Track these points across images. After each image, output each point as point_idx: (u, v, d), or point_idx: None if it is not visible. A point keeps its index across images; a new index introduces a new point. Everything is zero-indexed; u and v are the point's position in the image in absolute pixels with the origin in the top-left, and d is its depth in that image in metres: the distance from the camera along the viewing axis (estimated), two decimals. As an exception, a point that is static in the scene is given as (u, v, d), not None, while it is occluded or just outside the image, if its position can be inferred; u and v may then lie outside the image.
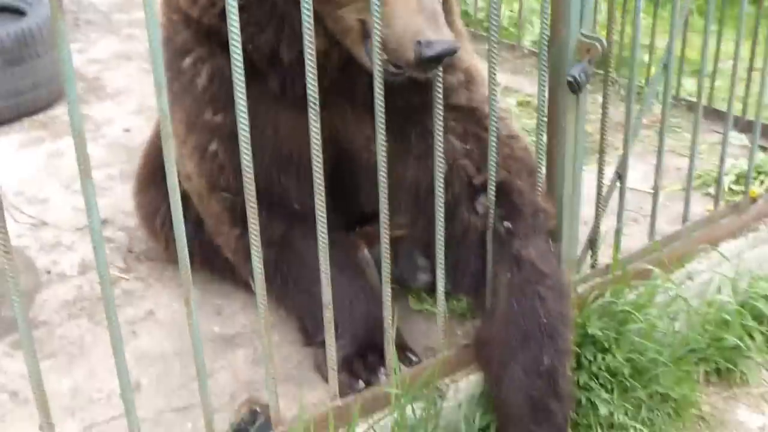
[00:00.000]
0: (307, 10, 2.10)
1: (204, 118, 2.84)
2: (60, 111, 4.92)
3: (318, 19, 2.28)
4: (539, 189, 2.82)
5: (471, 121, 2.83)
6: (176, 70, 2.82)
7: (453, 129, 2.76)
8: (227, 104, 2.71)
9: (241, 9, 2.02)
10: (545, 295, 2.68)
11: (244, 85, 2.06)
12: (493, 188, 2.70)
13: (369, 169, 2.72)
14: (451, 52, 2.32)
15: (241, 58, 2.02)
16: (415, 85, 2.58)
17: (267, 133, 2.75)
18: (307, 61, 2.15)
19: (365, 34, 2.42)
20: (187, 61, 2.80)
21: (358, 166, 2.92)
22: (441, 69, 2.42)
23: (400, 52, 2.32)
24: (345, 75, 2.65)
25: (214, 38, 2.70)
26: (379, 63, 2.31)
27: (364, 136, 2.81)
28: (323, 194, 2.28)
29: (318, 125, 2.20)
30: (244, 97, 2.07)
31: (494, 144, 2.65)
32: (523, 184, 2.81)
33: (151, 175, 3.31)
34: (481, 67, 3.01)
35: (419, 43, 2.27)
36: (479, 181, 2.79)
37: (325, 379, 2.68)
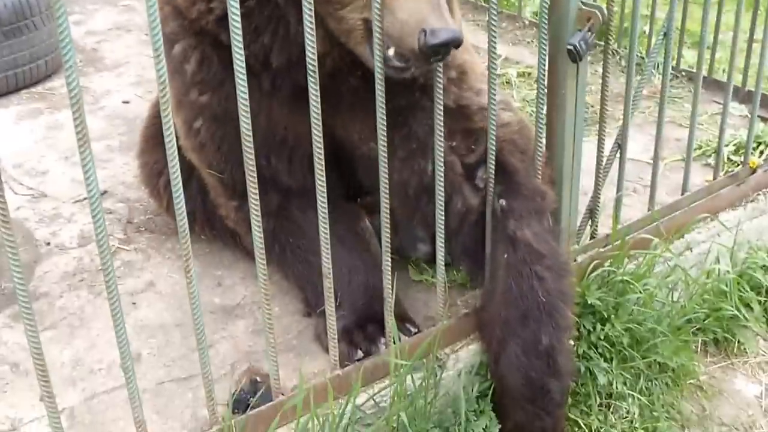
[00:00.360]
0: (309, 8, 2.12)
1: (190, 98, 2.89)
2: (58, 83, 4.91)
3: (318, 21, 2.28)
4: (538, 170, 2.82)
5: (459, 119, 2.79)
6: (165, 56, 2.84)
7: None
8: (214, 87, 2.81)
9: (242, 16, 2.03)
10: (543, 275, 2.67)
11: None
12: (493, 162, 2.70)
13: (363, 162, 2.83)
14: (456, 42, 2.29)
15: (243, 68, 2.06)
16: (401, 87, 2.59)
17: (259, 120, 2.71)
18: (307, 46, 2.15)
19: (369, 33, 2.39)
20: (177, 48, 2.83)
21: (353, 156, 2.93)
22: (441, 65, 2.41)
23: (404, 40, 2.30)
24: (334, 82, 2.66)
25: (204, 33, 2.73)
26: (380, 58, 2.32)
27: (354, 136, 2.84)
28: (323, 163, 2.30)
29: (317, 95, 2.21)
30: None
31: (493, 113, 2.65)
32: (517, 162, 2.81)
33: (157, 136, 3.29)
34: (475, 60, 3.02)
35: (423, 31, 2.25)
36: (471, 160, 2.79)
37: (326, 350, 2.69)
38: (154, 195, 3.45)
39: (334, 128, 2.77)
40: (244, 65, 2.05)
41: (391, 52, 2.37)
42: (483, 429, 2.72)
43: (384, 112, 2.36)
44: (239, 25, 2.01)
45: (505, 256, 2.69)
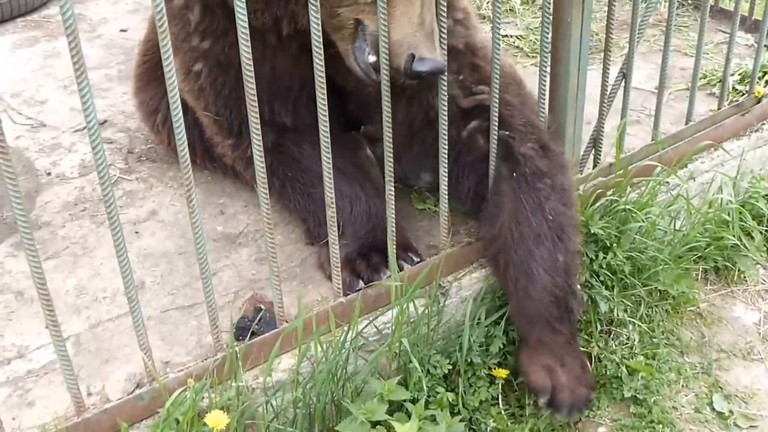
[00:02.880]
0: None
1: (191, 44, 2.90)
2: (54, 11, 4.85)
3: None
4: (531, 105, 2.88)
5: (467, 55, 2.92)
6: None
7: (448, 67, 2.79)
8: (218, 35, 2.84)
9: None
10: (547, 195, 2.72)
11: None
12: (497, 87, 2.69)
13: (362, 101, 2.92)
14: (439, 72, 2.48)
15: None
16: None
17: (264, 70, 2.82)
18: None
19: (356, 33, 2.53)
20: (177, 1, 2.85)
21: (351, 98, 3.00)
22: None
23: (392, 57, 2.42)
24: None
25: None
26: (365, 64, 2.47)
27: (351, 84, 2.87)
28: (325, 93, 2.29)
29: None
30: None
31: (498, 42, 2.63)
32: (513, 98, 2.88)
33: (149, 74, 3.35)
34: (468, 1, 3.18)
35: (413, 56, 2.41)
36: (467, 105, 2.89)
37: (329, 278, 2.71)
38: (155, 132, 3.45)
39: (335, 78, 2.78)
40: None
41: (371, 58, 2.49)
42: (495, 354, 2.78)
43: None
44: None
45: (510, 172, 2.75)
